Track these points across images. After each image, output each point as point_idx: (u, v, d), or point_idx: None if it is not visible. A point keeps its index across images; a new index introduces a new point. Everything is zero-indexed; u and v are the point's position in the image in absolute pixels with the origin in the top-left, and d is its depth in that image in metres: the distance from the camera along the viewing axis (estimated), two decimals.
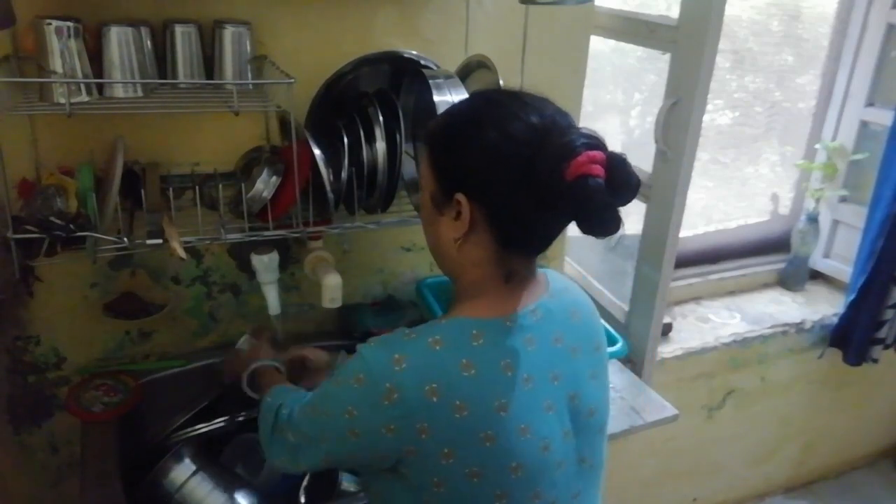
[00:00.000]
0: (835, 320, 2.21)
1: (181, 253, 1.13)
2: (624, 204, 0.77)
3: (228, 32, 1.23)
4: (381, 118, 1.26)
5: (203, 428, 1.34)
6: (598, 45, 1.81)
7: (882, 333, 2.14)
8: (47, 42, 1.09)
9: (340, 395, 0.84)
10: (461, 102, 0.91)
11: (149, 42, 1.20)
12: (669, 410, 1.51)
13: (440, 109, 1.17)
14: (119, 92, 1.17)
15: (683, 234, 1.72)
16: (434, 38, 1.47)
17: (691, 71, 1.47)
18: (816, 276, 2.44)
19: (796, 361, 2.26)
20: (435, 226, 0.88)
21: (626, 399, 1.53)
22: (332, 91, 1.34)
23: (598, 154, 0.75)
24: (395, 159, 1.27)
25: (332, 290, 1.37)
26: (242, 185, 1.25)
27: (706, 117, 1.55)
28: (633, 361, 1.76)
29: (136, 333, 1.47)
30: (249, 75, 1.27)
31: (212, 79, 1.26)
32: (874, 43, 2.14)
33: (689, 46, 1.49)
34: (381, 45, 1.40)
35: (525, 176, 0.77)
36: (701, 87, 1.46)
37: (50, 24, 1.08)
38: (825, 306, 2.29)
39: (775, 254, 2.44)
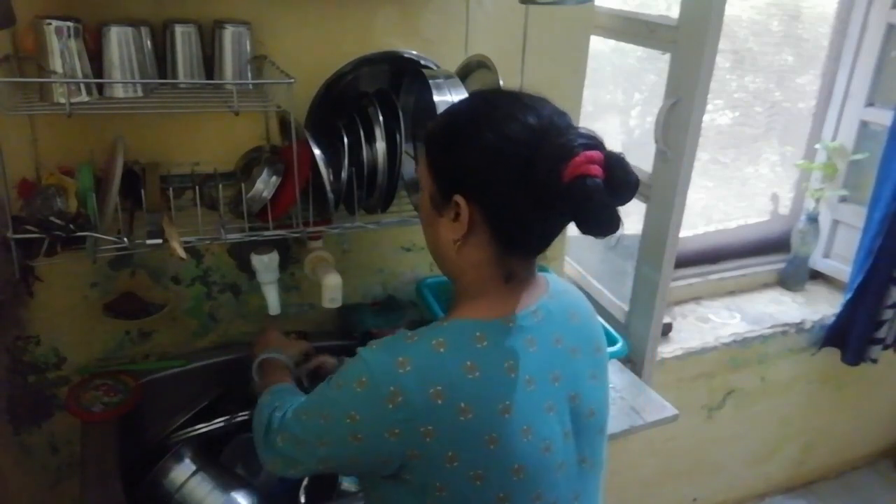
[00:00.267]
0: (834, 320, 2.21)
1: (181, 253, 1.13)
2: (623, 203, 0.77)
3: (228, 32, 1.23)
4: (381, 118, 1.26)
5: (203, 428, 1.35)
6: (598, 45, 1.81)
7: (881, 333, 2.14)
8: (47, 42, 1.09)
9: (341, 399, 0.83)
10: (459, 103, 0.91)
11: (149, 42, 1.20)
12: (669, 410, 1.51)
13: (440, 109, 1.17)
14: (119, 92, 1.17)
15: (683, 234, 1.72)
16: (434, 38, 1.47)
17: (691, 71, 1.47)
18: (816, 276, 2.44)
19: (796, 361, 2.26)
20: (434, 227, 0.88)
21: (626, 399, 1.53)
22: (332, 91, 1.34)
23: (595, 154, 0.75)
24: (395, 159, 1.27)
25: (332, 290, 1.37)
26: (242, 185, 1.25)
27: (706, 117, 1.55)
28: (633, 361, 1.76)
29: (136, 333, 1.47)
30: (249, 75, 1.27)
31: (212, 79, 1.26)
32: (874, 43, 2.14)
33: (689, 46, 1.49)
34: (381, 45, 1.40)
35: (523, 177, 0.77)
36: (701, 87, 1.46)
37: (50, 24, 1.08)
38: (825, 306, 2.29)
39: (775, 254, 2.44)
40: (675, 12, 1.53)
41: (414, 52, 1.38)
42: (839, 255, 2.36)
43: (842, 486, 2.62)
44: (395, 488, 0.83)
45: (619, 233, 0.77)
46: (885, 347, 2.18)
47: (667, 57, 1.59)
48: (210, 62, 1.26)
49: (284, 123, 1.35)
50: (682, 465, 2.27)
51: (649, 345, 1.73)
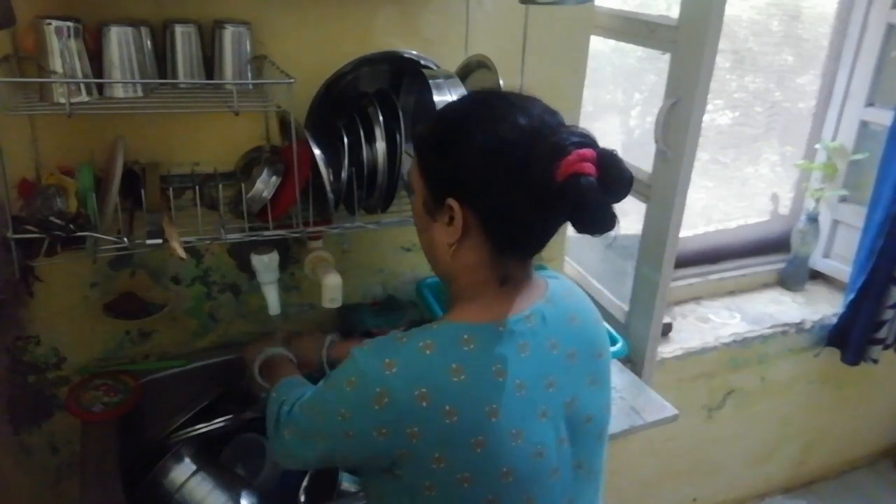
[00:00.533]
0: (834, 320, 2.21)
1: (181, 253, 1.13)
2: (617, 201, 0.76)
3: (228, 32, 1.23)
4: (381, 118, 1.26)
5: (203, 428, 1.35)
6: (598, 45, 1.81)
7: (882, 334, 2.14)
8: (47, 42, 1.08)
9: (333, 397, 0.85)
10: (447, 106, 0.91)
11: (149, 42, 1.20)
12: (669, 410, 1.51)
13: None
14: (119, 92, 1.17)
15: (683, 234, 1.72)
16: (434, 38, 1.47)
17: (691, 71, 1.47)
18: (816, 276, 2.44)
19: (796, 361, 2.26)
20: (429, 231, 0.88)
21: (626, 399, 1.53)
22: (332, 91, 1.34)
23: (588, 152, 0.74)
24: (395, 159, 1.27)
25: (332, 290, 1.37)
26: (242, 185, 1.25)
27: (706, 117, 1.55)
28: (633, 361, 1.76)
29: (136, 333, 1.47)
30: (249, 75, 1.27)
31: (212, 79, 1.26)
32: (874, 43, 2.14)
33: (689, 46, 1.49)
34: (381, 45, 1.40)
35: (516, 178, 0.77)
36: (701, 87, 1.46)
37: (50, 24, 1.08)
38: (825, 306, 2.29)
39: (775, 254, 2.44)
40: (675, 12, 1.53)
41: (414, 52, 1.38)
42: (839, 255, 2.36)
43: (842, 486, 2.62)
44: (391, 484, 0.84)
45: (615, 231, 0.76)
46: (886, 347, 2.18)
47: (667, 57, 1.59)
48: (210, 62, 1.26)
49: (284, 123, 1.35)
50: (682, 465, 2.27)
51: (649, 345, 1.73)
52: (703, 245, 2.32)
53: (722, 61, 2.08)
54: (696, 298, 2.30)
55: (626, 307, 1.81)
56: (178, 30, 1.20)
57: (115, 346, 1.46)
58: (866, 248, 2.06)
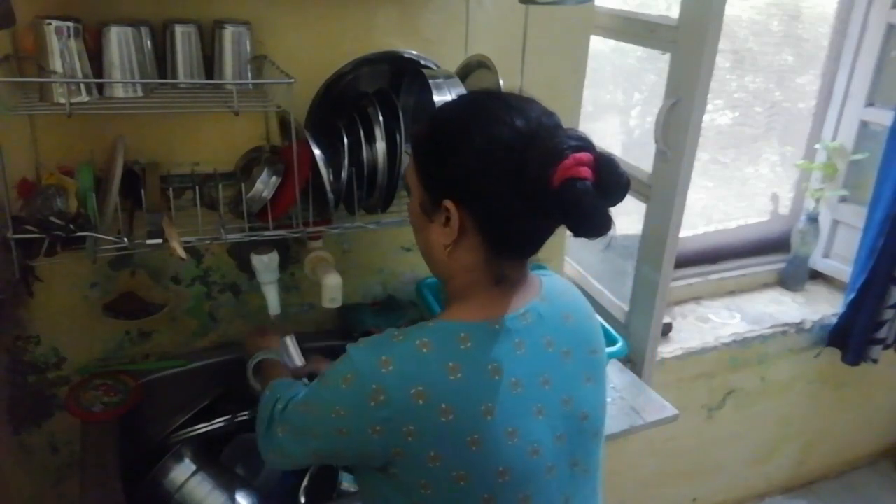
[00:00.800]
0: (834, 320, 2.21)
1: (181, 253, 1.13)
2: (614, 204, 0.76)
3: (228, 32, 1.23)
4: (381, 118, 1.26)
5: (203, 428, 1.35)
6: (598, 45, 1.81)
7: (882, 333, 2.14)
8: (47, 42, 1.08)
9: (329, 394, 0.84)
10: (444, 107, 0.91)
11: (149, 42, 1.20)
12: (669, 410, 1.51)
13: None
14: (119, 92, 1.17)
15: (683, 234, 1.72)
16: (434, 38, 1.47)
17: (691, 71, 1.47)
18: (816, 276, 2.44)
19: (796, 361, 2.26)
20: (425, 232, 0.88)
21: (626, 399, 1.53)
22: (332, 91, 1.34)
23: (585, 156, 0.74)
24: (395, 159, 1.27)
25: (332, 290, 1.37)
26: (242, 185, 1.25)
27: (706, 117, 1.55)
28: (633, 361, 1.76)
29: (136, 333, 1.47)
30: (249, 75, 1.27)
31: (212, 79, 1.26)
32: (874, 43, 2.14)
33: (689, 46, 1.49)
34: (381, 45, 1.40)
35: (513, 181, 0.77)
36: (701, 87, 1.46)
37: (50, 24, 1.08)
38: (825, 306, 2.29)
39: (775, 254, 2.44)
40: (675, 12, 1.53)
41: (414, 52, 1.38)
42: (839, 255, 2.36)
43: (842, 486, 2.62)
44: (385, 482, 0.84)
45: (610, 234, 0.76)
46: (886, 347, 2.18)
47: (667, 57, 1.59)
48: (210, 62, 1.26)
49: (284, 123, 1.35)
50: (682, 465, 2.27)
51: (649, 345, 1.73)
52: (703, 245, 2.32)
53: (722, 61, 2.08)
54: (696, 298, 2.30)
55: (626, 307, 1.81)
56: (178, 30, 1.20)
57: (115, 346, 1.46)
58: (866, 247, 2.06)
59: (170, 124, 1.33)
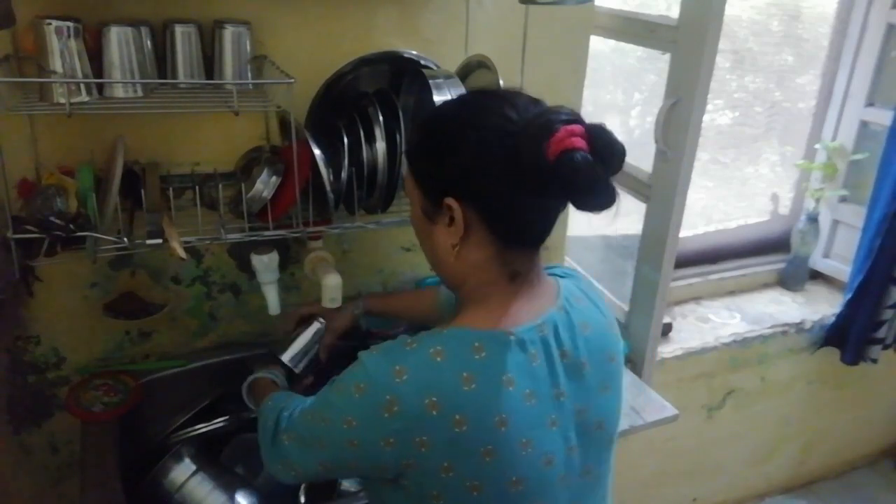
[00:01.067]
0: (834, 320, 2.21)
1: (181, 253, 1.13)
2: (613, 172, 0.76)
3: (228, 32, 1.23)
4: (381, 118, 1.26)
5: (203, 428, 1.35)
6: (598, 45, 1.81)
7: (881, 333, 2.14)
8: (47, 42, 1.08)
9: (340, 403, 0.82)
10: (433, 111, 0.91)
11: (149, 42, 1.20)
12: (669, 410, 1.51)
13: None
14: (119, 92, 1.17)
15: (683, 234, 1.72)
16: (434, 38, 1.47)
17: (691, 71, 1.47)
18: (816, 276, 2.45)
19: (796, 361, 2.27)
20: (431, 238, 0.87)
21: (626, 399, 1.53)
22: (332, 91, 1.34)
23: (576, 127, 0.74)
24: (395, 159, 1.27)
25: (332, 290, 1.37)
26: (242, 185, 1.25)
27: (706, 117, 1.55)
28: (633, 361, 1.76)
29: (136, 333, 1.47)
30: (249, 75, 1.27)
31: (212, 79, 1.25)
32: (874, 43, 2.14)
33: (689, 46, 1.49)
34: (381, 45, 1.40)
35: (509, 164, 0.77)
36: (701, 87, 1.46)
37: (50, 24, 1.08)
38: (825, 306, 2.29)
39: (775, 254, 2.44)
40: (675, 12, 1.53)
41: (414, 52, 1.38)
42: (839, 255, 2.36)
43: (842, 486, 2.62)
44: (396, 493, 0.83)
45: (615, 208, 0.75)
46: (885, 347, 2.18)
47: (667, 57, 1.59)
48: (210, 62, 1.26)
49: (284, 123, 1.35)
50: (682, 465, 2.27)
51: (649, 345, 1.73)
52: (703, 245, 2.32)
53: (722, 61, 2.08)
54: (696, 298, 2.30)
55: (626, 307, 1.81)
56: (178, 30, 1.20)
57: (115, 346, 1.46)
58: (866, 247, 2.07)
59: (170, 124, 1.33)
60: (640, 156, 1.71)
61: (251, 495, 1.23)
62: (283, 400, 1.00)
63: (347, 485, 1.27)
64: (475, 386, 0.78)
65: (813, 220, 2.32)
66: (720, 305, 2.28)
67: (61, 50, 1.09)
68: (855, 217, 2.23)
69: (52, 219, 1.11)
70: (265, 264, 1.34)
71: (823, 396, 2.41)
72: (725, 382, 2.17)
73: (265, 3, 1.30)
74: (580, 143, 0.73)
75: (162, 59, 1.23)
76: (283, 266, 1.42)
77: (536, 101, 0.82)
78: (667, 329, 2.05)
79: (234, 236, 1.25)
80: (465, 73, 1.37)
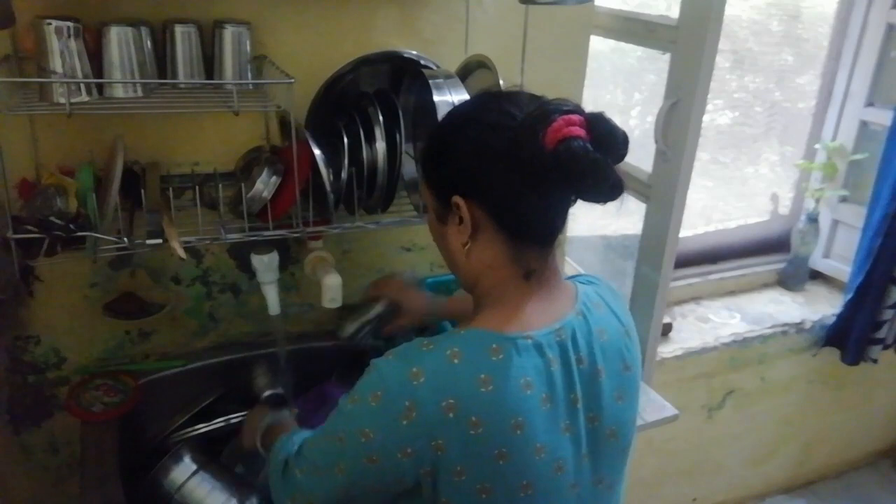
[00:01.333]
0: (834, 320, 2.21)
1: (181, 253, 1.13)
2: (616, 161, 0.75)
3: (228, 32, 1.23)
4: (381, 118, 1.26)
5: (203, 428, 1.35)
6: (598, 45, 1.81)
7: (881, 333, 2.14)
8: (47, 42, 1.08)
9: (356, 414, 0.80)
10: (442, 120, 0.92)
11: (149, 42, 1.20)
12: (669, 410, 1.51)
13: (440, 109, 1.18)
14: (119, 92, 1.17)
15: (683, 234, 1.72)
16: (434, 38, 1.47)
17: (691, 71, 1.47)
18: (816, 276, 2.45)
19: (796, 361, 2.27)
20: (445, 239, 0.87)
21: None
22: (332, 91, 1.34)
23: (574, 117, 0.74)
24: (395, 159, 1.27)
25: (332, 290, 1.37)
26: (242, 185, 1.25)
27: (706, 117, 1.55)
28: None
29: (136, 333, 1.47)
30: (249, 75, 1.27)
31: (212, 79, 1.26)
32: (874, 43, 2.14)
33: (688, 46, 1.49)
34: (381, 45, 1.40)
35: (510, 156, 0.77)
36: (701, 87, 1.46)
37: (50, 24, 1.08)
38: (825, 306, 2.29)
39: (775, 254, 2.44)
40: (675, 12, 1.53)
41: (414, 52, 1.38)
42: (839, 255, 2.36)
43: (842, 486, 2.62)
44: (404, 497, 0.82)
45: (621, 200, 0.74)
46: (886, 347, 2.19)
47: (667, 57, 1.59)
48: (210, 62, 1.26)
49: (284, 123, 1.35)
50: (682, 465, 2.27)
51: (649, 345, 1.73)
52: (703, 245, 2.32)
53: (722, 61, 2.08)
54: (696, 298, 2.30)
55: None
56: (178, 30, 1.20)
57: (115, 346, 1.46)
58: (866, 247, 2.07)
59: (170, 124, 1.33)
60: (640, 156, 1.71)
61: (251, 495, 1.23)
62: (288, 439, 0.97)
63: None
64: (492, 388, 0.77)
65: (813, 220, 2.32)
66: (720, 305, 2.28)
67: (61, 50, 1.09)
68: (855, 217, 2.23)
69: (52, 219, 1.11)
70: (265, 264, 1.34)
71: (823, 396, 2.41)
72: (725, 382, 2.17)
73: (265, 3, 1.30)
74: (578, 131, 0.73)
75: (162, 59, 1.23)
76: (283, 266, 1.42)
77: (537, 97, 0.83)
78: (667, 329, 2.05)
79: (234, 236, 1.24)
80: (465, 73, 1.37)
